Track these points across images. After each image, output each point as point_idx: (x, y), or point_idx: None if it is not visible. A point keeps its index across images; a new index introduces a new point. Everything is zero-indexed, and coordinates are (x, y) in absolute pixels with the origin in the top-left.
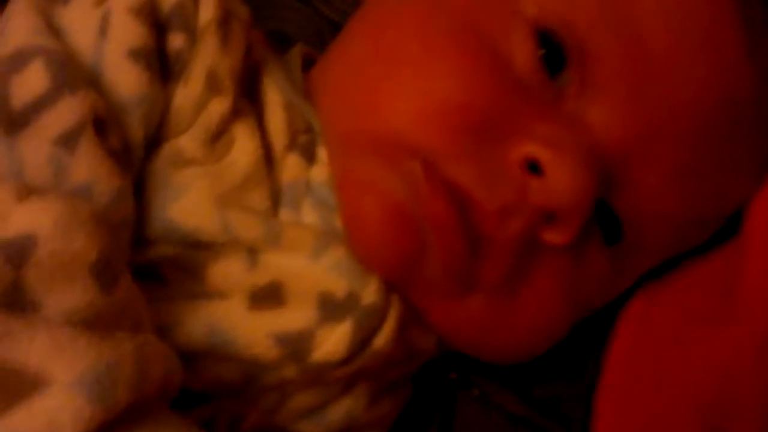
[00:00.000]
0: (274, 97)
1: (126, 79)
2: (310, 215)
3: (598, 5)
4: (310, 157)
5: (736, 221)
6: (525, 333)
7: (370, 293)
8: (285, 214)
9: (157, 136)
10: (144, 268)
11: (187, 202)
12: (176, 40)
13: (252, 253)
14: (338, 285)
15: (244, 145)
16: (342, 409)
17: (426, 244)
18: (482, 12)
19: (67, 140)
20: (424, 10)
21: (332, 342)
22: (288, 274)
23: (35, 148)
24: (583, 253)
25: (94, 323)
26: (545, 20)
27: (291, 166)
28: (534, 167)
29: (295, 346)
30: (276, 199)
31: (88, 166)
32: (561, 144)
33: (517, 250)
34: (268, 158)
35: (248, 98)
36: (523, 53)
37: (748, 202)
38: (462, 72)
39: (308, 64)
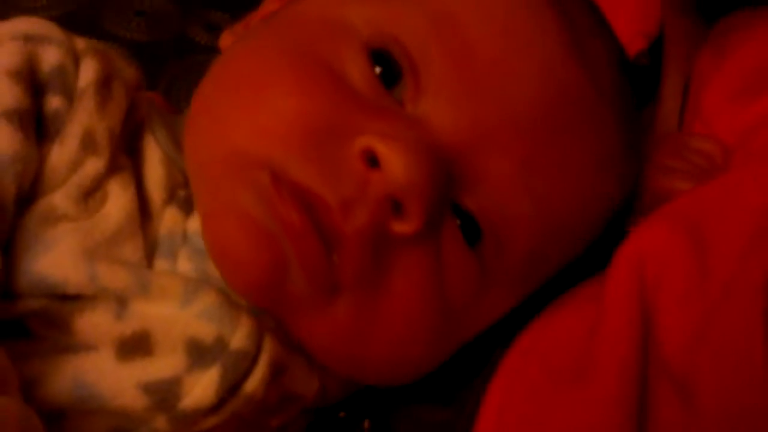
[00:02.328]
0: (154, 153)
1: None
2: (185, 264)
3: (426, 19)
4: (188, 209)
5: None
6: (396, 335)
7: (239, 338)
8: (160, 264)
9: (30, 194)
10: (11, 323)
11: (56, 256)
12: (53, 102)
13: (121, 303)
14: (206, 330)
15: (117, 200)
16: None
17: (286, 255)
18: (319, 36)
19: None
20: (265, 40)
21: (200, 388)
22: (156, 322)
23: None
24: (443, 251)
25: None
26: (376, 39)
27: (168, 219)
28: (374, 160)
29: (163, 394)
30: (151, 250)
31: None
32: (396, 135)
33: (368, 243)
34: (146, 212)
35: (129, 154)
36: (358, 70)
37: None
38: (296, 85)
39: None
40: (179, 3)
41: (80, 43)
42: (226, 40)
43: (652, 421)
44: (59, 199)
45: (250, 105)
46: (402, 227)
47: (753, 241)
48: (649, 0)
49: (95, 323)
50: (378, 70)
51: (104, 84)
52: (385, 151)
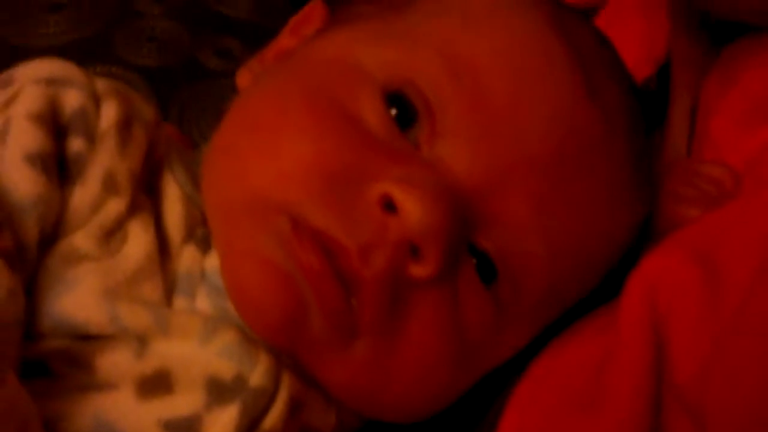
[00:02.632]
0: (173, 192)
1: (22, 182)
2: (203, 302)
3: (440, 61)
4: (206, 247)
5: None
6: (414, 376)
7: (257, 375)
8: (179, 303)
9: (53, 235)
10: (33, 363)
11: (77, 296)
12: (75, 144)
13: (141, 342)
14: (226, 368)
15: (137, 240)
16: None
17: (305, 298)
18: (335, 79)
19: None
20: (282, 82)
21: (220, 425)
22: (176, 360)
23: None
24: (460, 293)
25: None
26: (392, 82)
27: (187, 257)
28: (391, 206)
29: (184, 431)
30: (170, 289)
31: None
32: (412, 181)
33: (386, 287)
34: (165, 250)
35: (148, 193)
36: (374, 113)
37: (625, 273)
38: (313, 129)
39: None
40: (190, 28)
41: (101, 84)
42: (243, 77)
43: None
44: (81, 239)
45: (268, 148)
46: (419, 271)
47: (764, 267)
48: (657, 25)
49: (116, 362)
50: (393, 112)
51: (125, 125)
52: (402, 197)
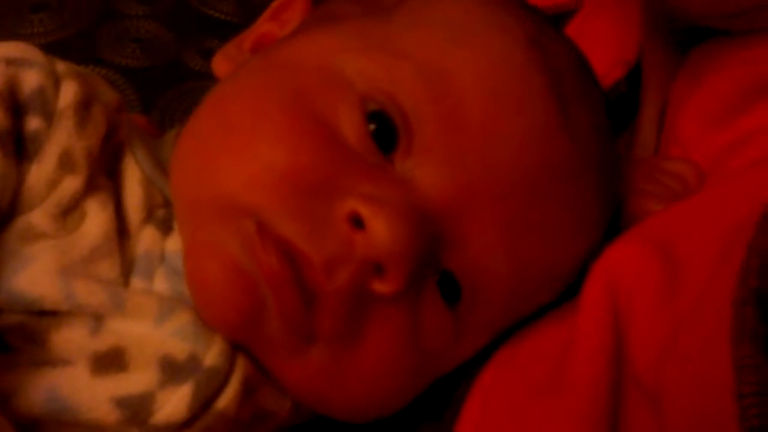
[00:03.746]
0: (134, 174)
1: None
2: (161, 284)
3: (421, 80)
4: (166, 229)
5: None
6: (368, 384)
7: (212, 355)
8: (137, 283)
9: (9, 212)
10: None
11: (33, 273)
12: (33, 123)
13: (97, 320)
14: (180, 348)
15: (95, 219)
16: None
17: (264, 300)
18: (314, 86)
19: None
20: (262, 84)
21: (173, 403)
22: (131, 339)
23: None
24: (421, 309)
25: None
26: (372, 95)
27: (146, 238)
28: (359, 222)
29: (136, 408)
30: (128, 269)
31: None
32: (381, 200)
33: (347, 301)
34: (124, 231)
35: (109, 175)
36: (351, 125)
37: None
38: (289, 137)
39: None
40: (174, 30)
41: (61, 66)
42: (220, 63)
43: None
44: (37, 217)
45: (240, 151)
46: (382, 288)
47: (722, 257)
48: (628, 29)
49: (71, 338)
50: (372, 127)
51: (84, 106)
52: (369, 215)
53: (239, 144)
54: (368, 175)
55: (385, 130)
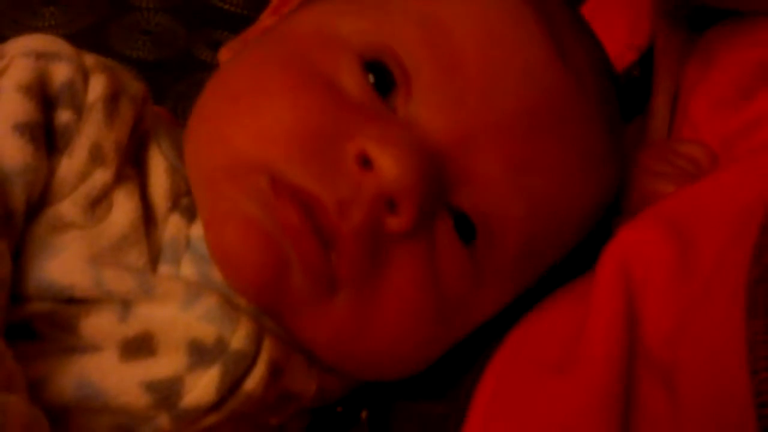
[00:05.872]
0: (159, 163)
1: (10, 151)
2: (187, 269)
3: (416, 26)
4: (191, 216)
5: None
6: (393, 331)
7: (238, 338)
8: (164, 269)
9: (39, 203)
10: (18, 325)
11: (63, 261)
12: (63, 116)
13: (125, 306)
14: (207, 332)
15: (122, 208)
16: None
17: (286, 255)
18: (314, 48)
19: None
20: (262, 53)
21: (201, 387)
22: (159, 324)
23: None
24: (437, 248)
25: None
26: (370, 50)
27: (172, 226)
28: (367, 162)
29: (165, 392)
30: (156, 256)
31: None
32: (388, 138)
33: (364, 241)
34: (151, 219)
35: (134, 165)
36: (352, 79)
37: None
38: (292, 93)
39: None
40: (184, 22)
41: (89, 59)
42: (224, 54)
43: (639, 410)
44: (67, 207)
45: (248, 113)
46: (395, 224)
47: (734, 237)
48: (640, 13)
49: (100, 325)
50: (371, 78)
51: (112, 99)
52: (377, 153)
53: (245, 107)
54: (372, 120)
55: (385, 79)
